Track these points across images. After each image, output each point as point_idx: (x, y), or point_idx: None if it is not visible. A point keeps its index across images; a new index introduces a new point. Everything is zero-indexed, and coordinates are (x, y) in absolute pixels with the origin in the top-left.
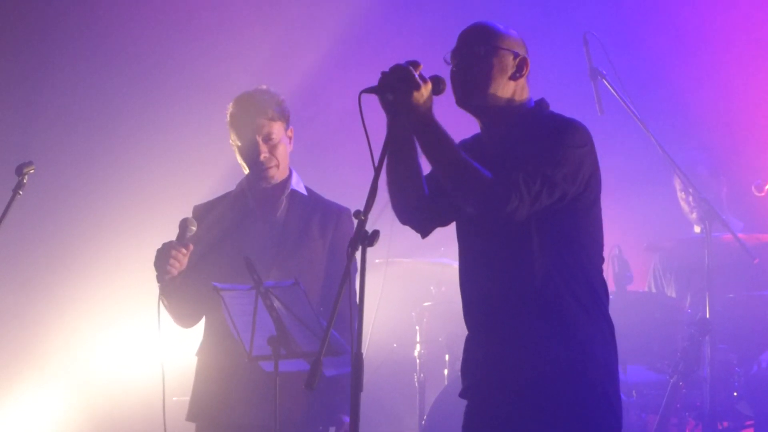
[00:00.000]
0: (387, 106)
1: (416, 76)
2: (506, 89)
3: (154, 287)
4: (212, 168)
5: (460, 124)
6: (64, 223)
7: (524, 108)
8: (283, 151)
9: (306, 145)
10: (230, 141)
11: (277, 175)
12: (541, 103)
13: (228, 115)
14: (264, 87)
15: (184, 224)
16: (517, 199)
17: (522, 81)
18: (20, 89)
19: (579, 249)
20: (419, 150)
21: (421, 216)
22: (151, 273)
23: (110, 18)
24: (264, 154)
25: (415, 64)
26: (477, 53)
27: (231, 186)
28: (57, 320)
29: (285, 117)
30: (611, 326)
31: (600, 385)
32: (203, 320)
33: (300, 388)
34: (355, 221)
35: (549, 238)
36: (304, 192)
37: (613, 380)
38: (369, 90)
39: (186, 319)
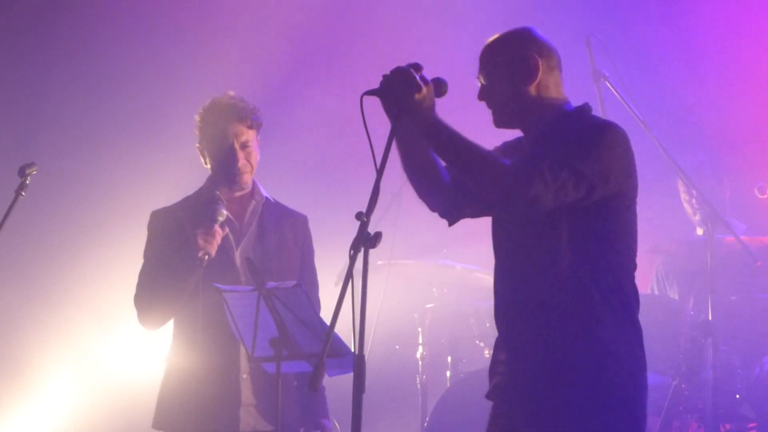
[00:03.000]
0: (389, 108)
1: (417, 78)
2: (526, 95)
3: None
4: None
5: (466, 126)
6: (67, 223)
7: (558, 105)
8: (256, 159)
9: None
10: (197, 144)
11: (249, 181)
12: (583, 108)
13: (200, 119)
14: (232, 93)
15: (213, 210)
16: (541, 184)
17: (543, 79)
18: (22, 90)
19: (611, 252)
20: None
21: (445, 204)
22: None
23: (115, 19)
24: (242, 161)
25: (417, 66)
26: (488, 73)
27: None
28: (61, 321)
29: (259, 125)
30: (639, 332)
31: (622, 388)
32: (173, 327)
33: (286, 391)
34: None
35: (580, 238)
36: (272, 200)
37: (637, 385)
38: (371, 92)
39: (162, 317)
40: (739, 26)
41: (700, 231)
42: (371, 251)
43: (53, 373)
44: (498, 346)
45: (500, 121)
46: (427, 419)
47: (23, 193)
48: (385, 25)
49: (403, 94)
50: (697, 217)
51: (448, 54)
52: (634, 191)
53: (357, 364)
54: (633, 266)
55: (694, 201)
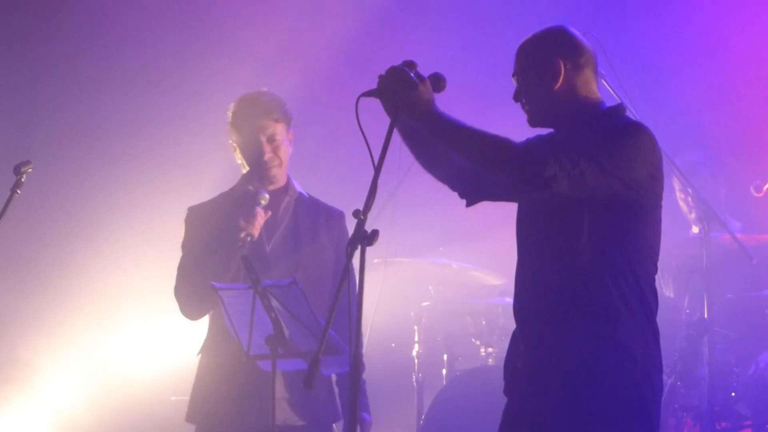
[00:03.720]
0: (388, 107)
1: (412, 75)
2: (554, 96)
3: (154, 285)
4: (213, 167)
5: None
6: (62, 222)
7: (590, 103)
8: (285, 152)
9: (301, 148)
10: (230, 141)
11: (279, 175)
12: (617, 109)
13: (230, 115)
14: (265, 89)
15: (255, 196)
16: (556, 166)
17: (568, 79)
18: (18, 87)
19: (632, 251)
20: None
21: (464, 185)
22: (151, 271)
23: (111, 16)
24: (268, 154)
25: (411, 64)
26: (518, 76)
27: (230, 185)
28: (59, 319)
29: (288, 119)
30: (656, 332)
31: (636, 386)
32: (207, 320)
33: (321, 385)
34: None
35: (601, 236)
36: (306, 195)
37: (651, 384)
38: (367, 93)
39: (204, 306)
40: (734, 25)
41: (695, 229)
42: (368, 249)
43: (52, 371)
44: (515, 339)
45: (534, 121)
46: (423, 417)
47: (19, 191)
48: (390, 25)
49: (400, 93)
50: (693, 216)
51: (450, 54)
52: (658, 193)
53: (353, 362)
54: (654, 267)
55: (689, 199)
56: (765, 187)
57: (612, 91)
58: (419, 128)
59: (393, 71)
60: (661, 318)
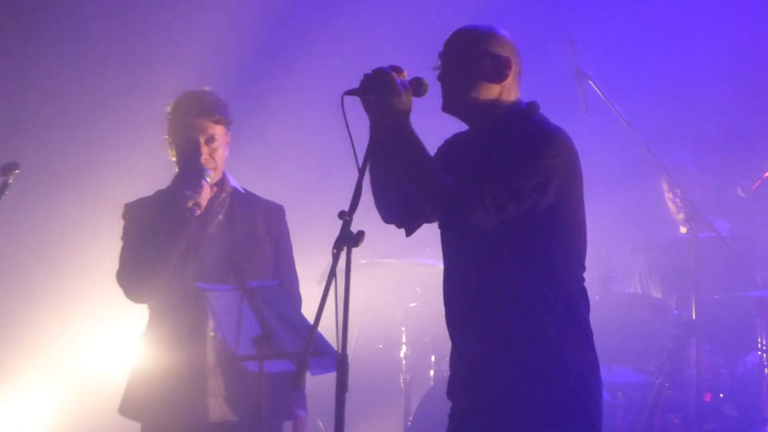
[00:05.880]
0: (367, 107)
1: (398, 82)
2: (489, 92)
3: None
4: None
5: (445, 126)
6: (49, 223)
7: (511, 110)
8: (221, 155)
9: (241, 145)
10: (166, 136)
11: (213, 177)
12: (531, 107)
13: (170, 111)
14: (208, 88)
15: (200, 172)
16: (481, 210)
17: (508, 82)
18: (4, 89)
19: (555, 256)
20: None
21: (404, 214)
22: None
23: (95, 17)
24: (205, 156)
25: (398, 69)
26: (456, 58)
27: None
28: (43, 320)
29: (228, 122)
30: (588, 334)
31: (571, 393)
32: (148, 316)
33: (252, 383)
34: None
35: (521, 245)
36: (242, 190)
37: (588, 388)
38: (351, 92)
39: (151, 284)
40: (723, 26)
41: (683, 230)
42: (354, 250)
43: (38, 369)
44: (452, 349)
45: (450, 108)
46: (411, 418)
47: (6, 193)
48: (366, 17)
49: (382, 97)
50: (681, 216)
51: (419, 51)
52: (578, 194)
53: (340, 363)
54: (581, 267)
55: (677, 200)
56: (753, 188)
57: (599, 92)
58: (385, 136)
59: (380, 73)
60: (649, 318)
